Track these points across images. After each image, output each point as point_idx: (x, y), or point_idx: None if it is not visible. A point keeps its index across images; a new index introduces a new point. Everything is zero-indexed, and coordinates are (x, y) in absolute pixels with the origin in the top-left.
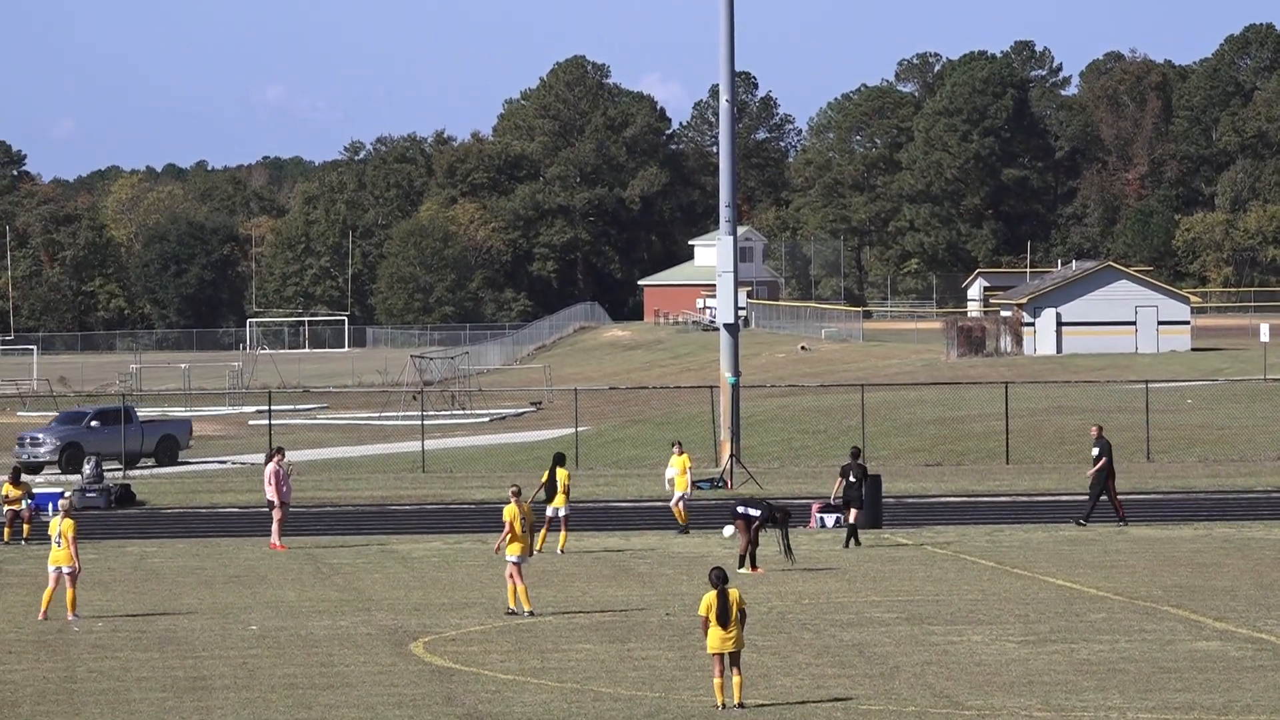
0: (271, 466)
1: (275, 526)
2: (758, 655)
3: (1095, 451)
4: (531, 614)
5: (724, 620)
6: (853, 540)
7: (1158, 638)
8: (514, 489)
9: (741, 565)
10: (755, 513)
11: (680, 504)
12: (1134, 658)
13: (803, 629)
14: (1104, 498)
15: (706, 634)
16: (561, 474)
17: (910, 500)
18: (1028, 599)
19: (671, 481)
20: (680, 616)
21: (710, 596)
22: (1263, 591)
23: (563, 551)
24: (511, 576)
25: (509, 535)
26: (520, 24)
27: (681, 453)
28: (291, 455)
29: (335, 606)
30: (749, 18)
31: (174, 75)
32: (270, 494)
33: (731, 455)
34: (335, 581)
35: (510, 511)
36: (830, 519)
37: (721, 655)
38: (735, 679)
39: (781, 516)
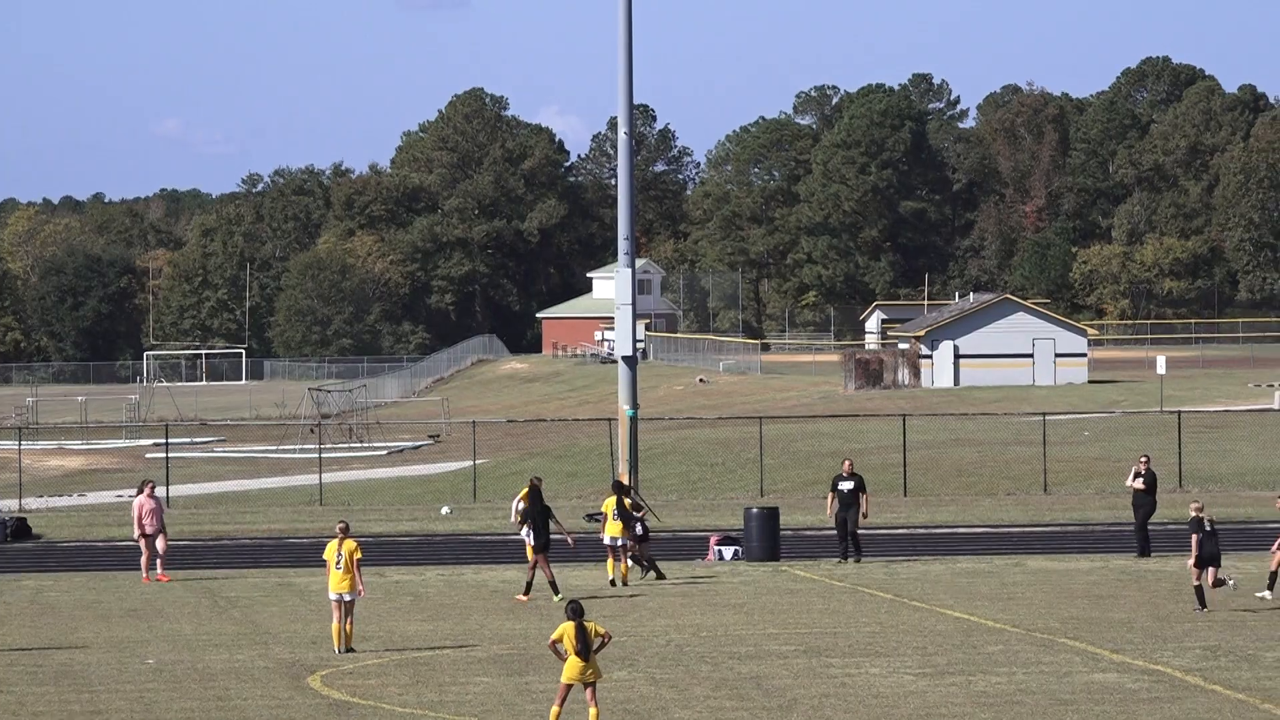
0: (140, 499)
1: (145, 558)
2: (655, 688)
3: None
4: (350, 650)
5: (584, 652)
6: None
7: (1055, 670)
8: (341, 524)
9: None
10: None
11: (620, 548)
12: (1031, 690)
13: (700, 661)
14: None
15: (564, 663)
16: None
17: (808, 533)
18: (925, 631)
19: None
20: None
21: (569, 628)
22: (1159, 623)
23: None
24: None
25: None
26: (418, 56)
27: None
28: (189, 489)
29: (232, 640)
30: (647, 51)
31: (70, 107)
32: (147, 527)
33: (630, 487)
34: (232, 615)
35: (332, 549)
36: (728, 551)
37: (571, 686)
38: (592, 710)
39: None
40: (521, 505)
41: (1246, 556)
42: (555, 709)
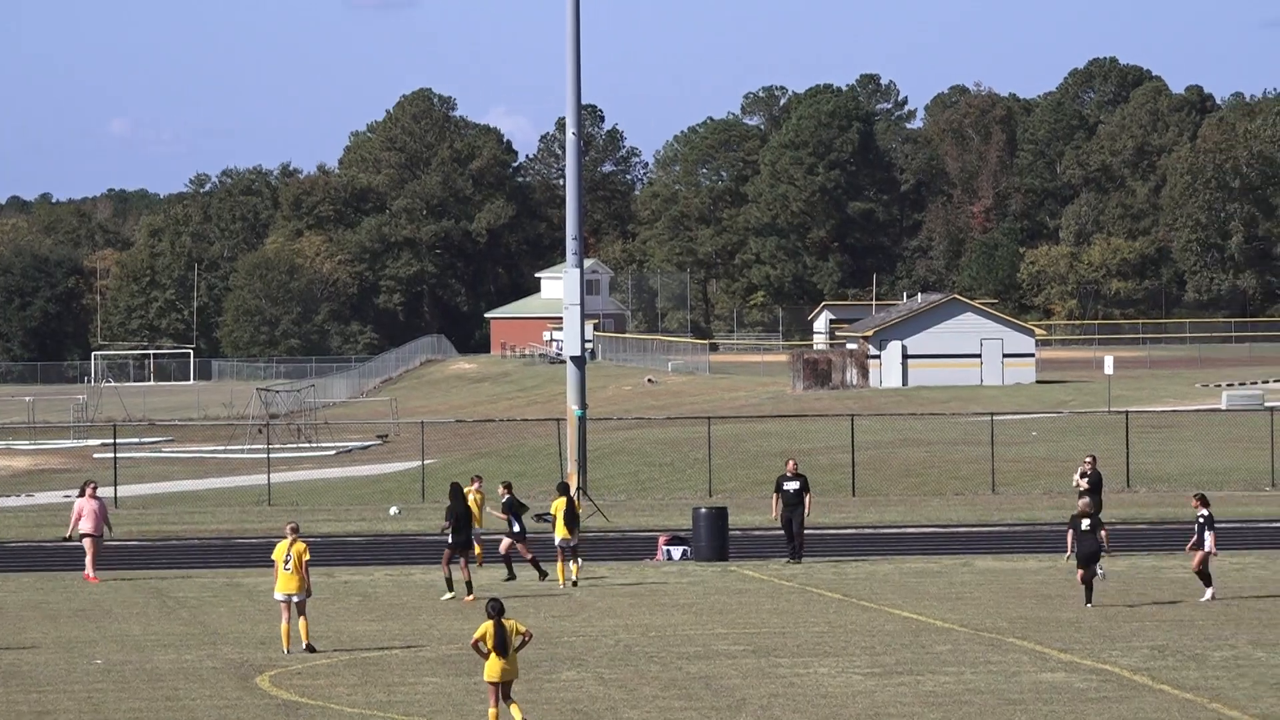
0: (82, 500)
1: (90, 558)
2: (604, 688)
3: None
4: (311, 649)
5: (503, 650)
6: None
7: (1003, 669)
8: (291, 525)
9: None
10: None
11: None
12: (980, 689)
13: (649, 661)
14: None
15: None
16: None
17: (756, 533)
18: (874, 631)
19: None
20: (527, 649)
21: (488, 626)
22: (1107, 623)
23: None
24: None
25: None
26: (366, 57)
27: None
28: (137, 489)
29: (181, 640)
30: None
31: (18, 107)
32: (85, 526)
33: (579, 488)
34: (181, 615)
35: (281, 549)
36: (677, 551)
37: (497, 685)
38: (514, 709)
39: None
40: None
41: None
42: (491, 710)
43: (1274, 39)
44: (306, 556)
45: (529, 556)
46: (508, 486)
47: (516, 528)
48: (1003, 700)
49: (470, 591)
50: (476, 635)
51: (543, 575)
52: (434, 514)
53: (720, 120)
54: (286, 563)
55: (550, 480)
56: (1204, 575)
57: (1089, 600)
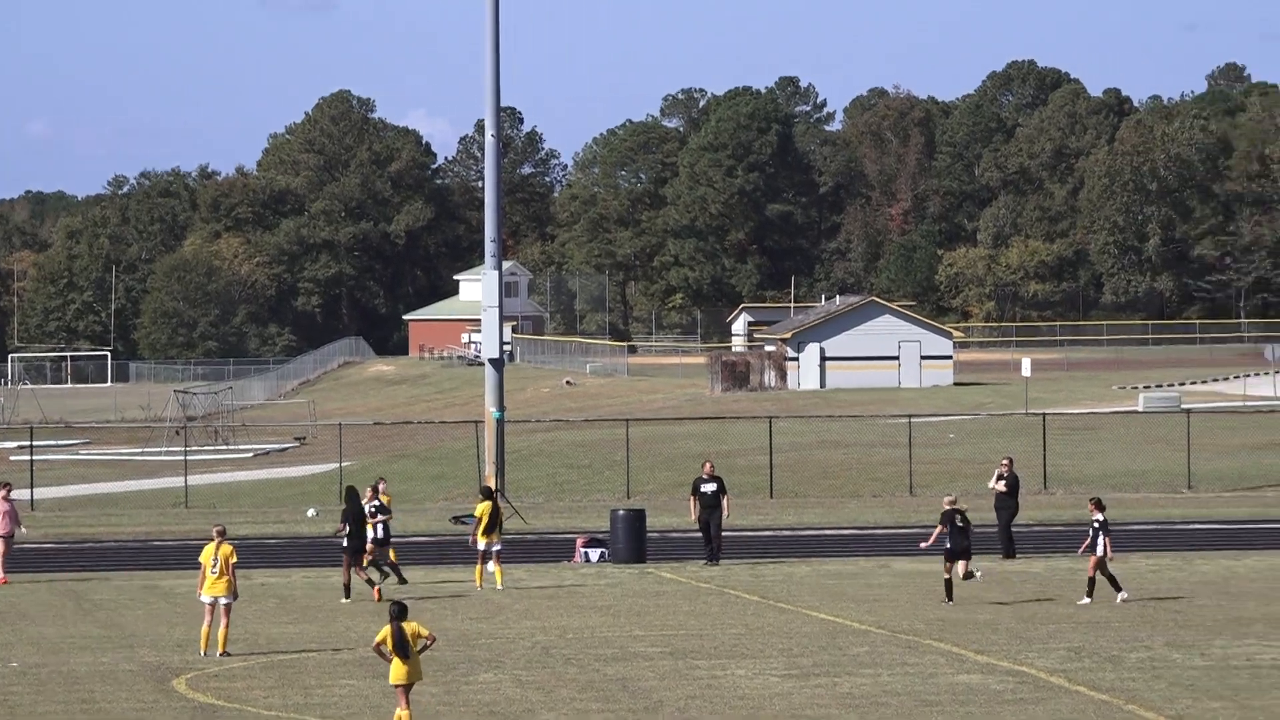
0: None
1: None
2: (521, 690)
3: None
4: (226, 654)
5: (404, 652)
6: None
7: (920, 671)
8: (219, 528)
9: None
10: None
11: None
12: (896, 691)
13: (566, 663)
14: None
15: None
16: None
17: (674, 535)
18: (791, 633)
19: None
20: (444, 650)
21: (387, 630)
22: (1023, 624)
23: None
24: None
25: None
26: (285, 59)
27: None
28: (54, 491)
29: (97, 643)
30: (515, 53)
31: None
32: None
33: (497, 490)
34: (97, 618)
35: (209, 552)
36: (594, 553)
37: (402, 687)
38: (406, 713)
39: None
40: (370, 507)
41: (1109, 558)
42: (401, 713)
43: (1192, 42)
44: (234, 559)
45: (381, 563)
46: (375, 490)
47: (381, 532)
48: (919, 702)
49: (378, 592)
50: (378, 638)
51: (389, 579)
52: None
53: (639, 122)
54: (214, 566)
55: (469, 483)
56: (1110, 579)
57: (949, 597)
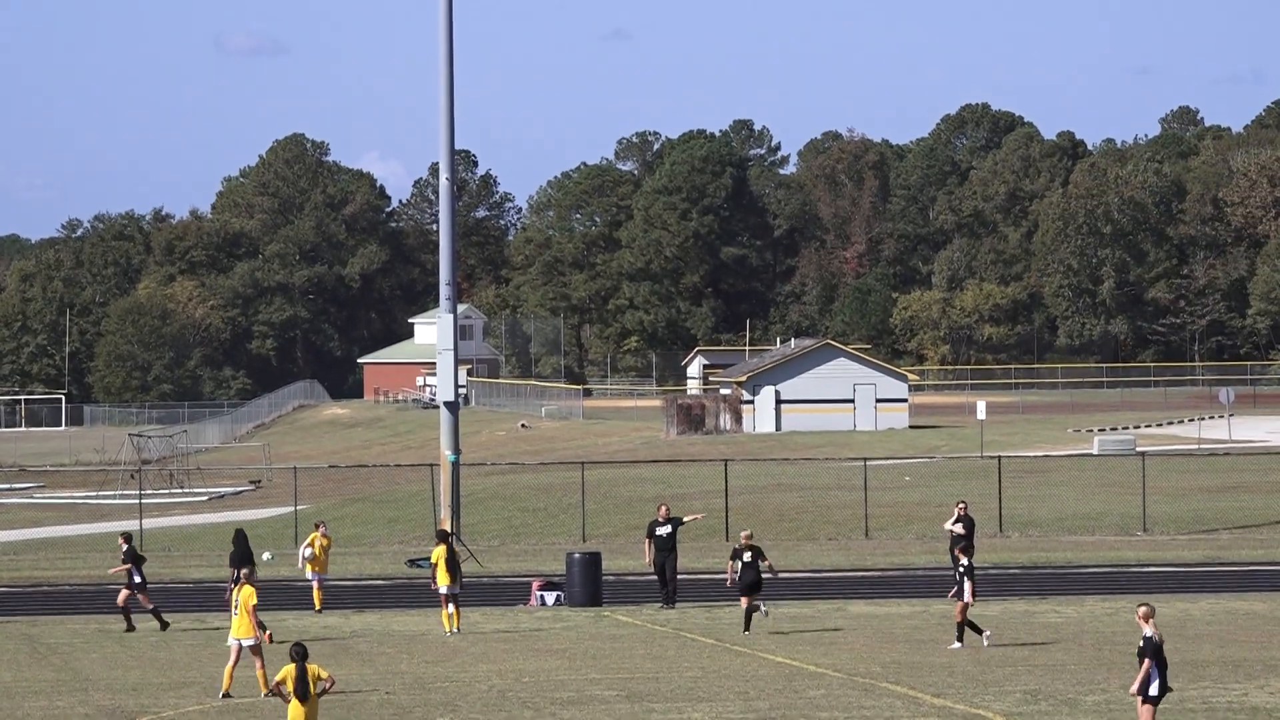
0: None
1: None
2: None
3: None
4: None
5: (304, 694)
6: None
7: (876, 714)
8: (245, 571)
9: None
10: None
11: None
12: None
13: (523, 707)
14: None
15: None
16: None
17: (630, 578)
18: (747, 676)
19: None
20: (400, 694)
21: (290, 670)
22: (980, 668)
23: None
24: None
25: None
26: (239, 102)
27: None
28: (8, 534)
29: (52, 687)
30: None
31: None
32: None
33: (452, 533)
34: (52, 661)
35: (246, 593)
36: (550, 596)
37: None
38: None
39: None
40: (308, 551)
41: (1065, 601)
42: None
43: (1144, 86)
44: (252, 602)
45: (150, 607)
46: (126, 538)
47: (137, 578)
48: None
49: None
50: (278, 678)
51: (164, 626)
52: None
53: (594, 165)
54: (235, 608)
55: (424, 526)
56: (971, 625)
57: (747, 628)
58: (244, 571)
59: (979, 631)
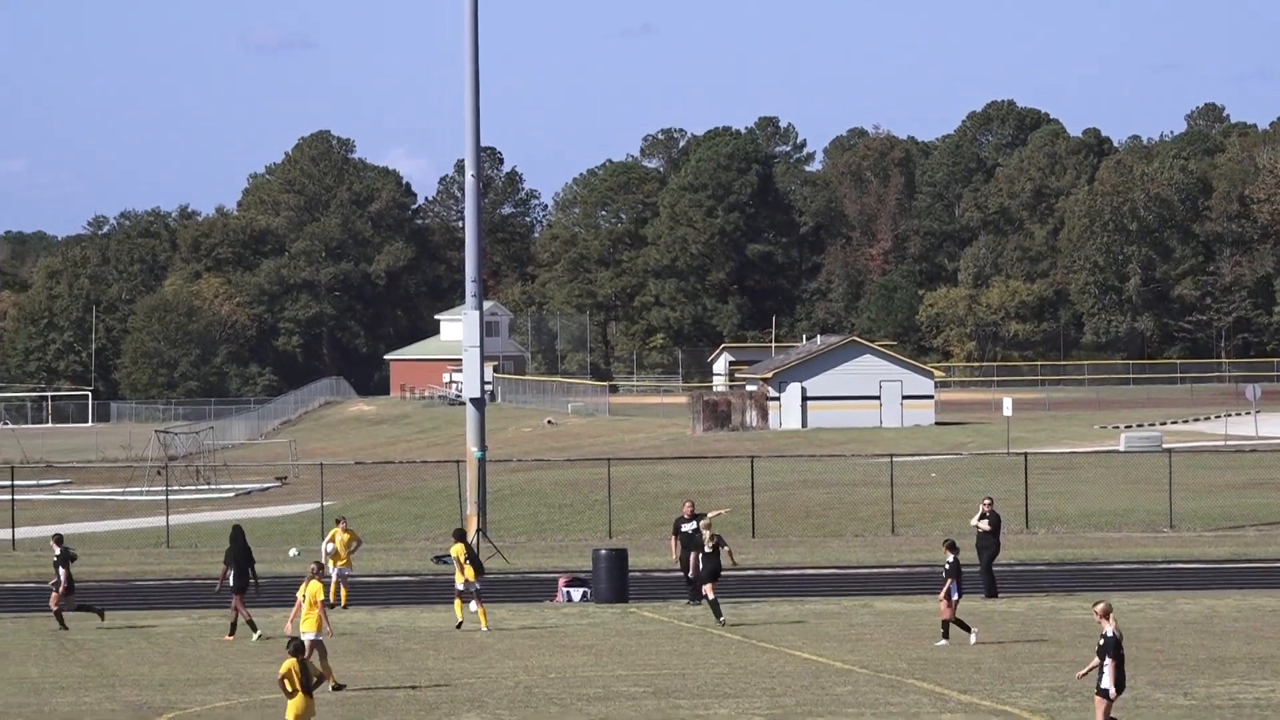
0: None
1: None
2: None
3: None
4: (340, 688)
5: (308, 689)
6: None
7: (903, 710)
8: (313, 565)
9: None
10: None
11: (472, 593)
12: None
13: (549, 703)
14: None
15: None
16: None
17: (656, 574)
18: (773, 672)
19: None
20: (426, 691)
21: (293, 664)
22: (1006, 664)
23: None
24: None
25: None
26: (265, 98)
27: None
28: (34, 531)
29: (79, 683)
30: (494, 93)
31: None
32: None
33: (478, 530)
34: (79, 657)
35: (314, 588)
36: (577, 592)
37: None
38: None
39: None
40: (329, 546)
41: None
42: None
43: (1170, 82)
44: (319, 597)
45: (55, 609)
46: (58, 540)
47: (62, 576)
48: None
49: (233, 632)
50: (282, 672)
51: (63, 627)
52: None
53: (619, 162)
54: (303, 601)
55: (450, 522)
56: (959, 622)
57: (719, 617)
58: (312, 567)
59: (967, 629)
